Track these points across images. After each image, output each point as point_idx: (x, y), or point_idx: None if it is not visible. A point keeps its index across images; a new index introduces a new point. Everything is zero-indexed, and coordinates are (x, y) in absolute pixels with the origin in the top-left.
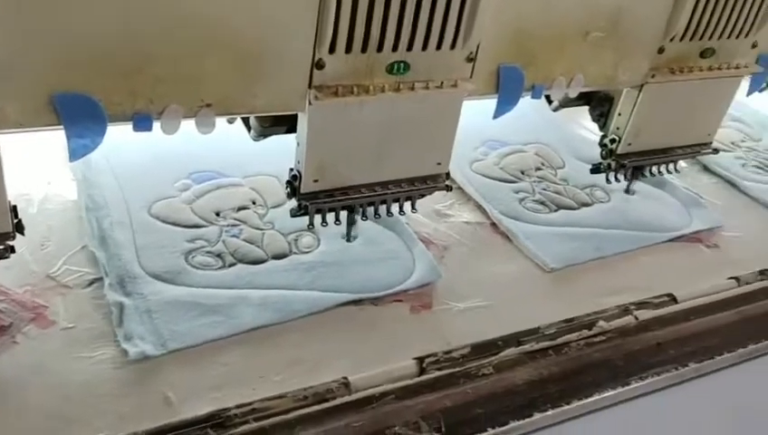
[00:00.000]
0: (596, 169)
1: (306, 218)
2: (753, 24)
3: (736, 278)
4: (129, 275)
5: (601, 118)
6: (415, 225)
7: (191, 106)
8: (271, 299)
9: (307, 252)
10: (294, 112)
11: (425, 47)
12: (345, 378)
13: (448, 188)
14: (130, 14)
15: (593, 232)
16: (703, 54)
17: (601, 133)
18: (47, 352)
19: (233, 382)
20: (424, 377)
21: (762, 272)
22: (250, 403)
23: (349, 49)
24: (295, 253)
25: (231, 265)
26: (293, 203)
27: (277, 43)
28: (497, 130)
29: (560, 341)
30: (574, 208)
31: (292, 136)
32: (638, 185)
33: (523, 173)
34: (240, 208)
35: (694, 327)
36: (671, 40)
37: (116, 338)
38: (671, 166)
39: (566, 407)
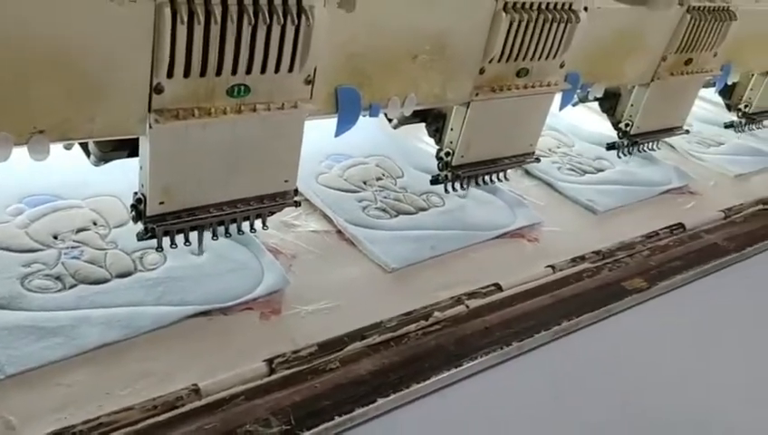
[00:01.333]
0: (435, 181)
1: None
2: (559, 46)
3: (552, 266)
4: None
5: (437, 133)
6: (263, 236)
7: (22, 133)
8: (116, 317)
9: (153, 268)
10: (134, 136)
11: (263, 71)
12: (195, 384)
13: (297, 204)
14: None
15: (429, 234)
16: (518, 74)
17: (437, 147)
18: None
19: (78, 401)
20: (273, 377)
21: (573, 259)
22: (96, 418)
23: (187, 73)
24: (141, 270)
25: (72, 287)
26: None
27: (112, 67)
28: (341, 144)
29: (400, 332)
30: (412, 213)
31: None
32: (472, 190)
33: (365, 183)
34: (80, 230)
35: (516, 311)
36: (490, 61)
37: None
38: (501, 174)
39: (406, 390)
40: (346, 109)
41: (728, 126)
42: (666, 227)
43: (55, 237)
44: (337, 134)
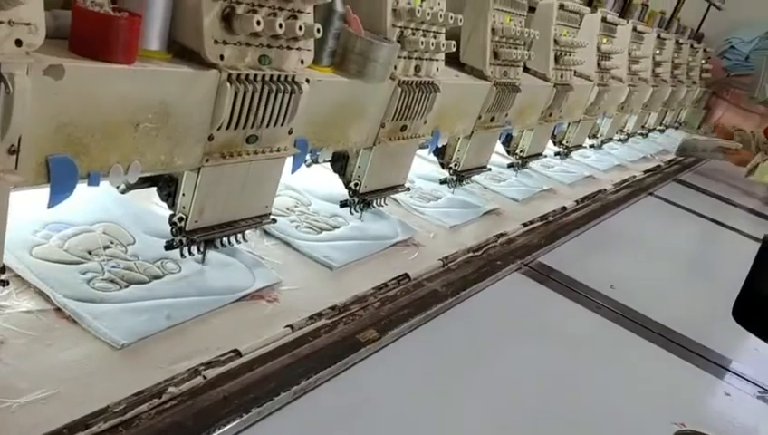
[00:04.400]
0: (169, 246)
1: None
2: (286, 114)
3: (291, 326)
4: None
5: (169, 198)
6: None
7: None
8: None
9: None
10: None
11: None
12: None
13: (4, 283)
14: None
15: (165, 302)
16: (248, 140)
17: (171, 212)
18: None
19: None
20: None
21: (311, 317)
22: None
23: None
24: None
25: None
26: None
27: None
28: (61, 211)
29: (129, 415)
30: (146, 282)
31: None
32: (211, 254)
33: (90, 253)
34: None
35: (256, 375)
36: (218, 129)
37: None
38: (239, 236)
39: None
40: (59, 179)
41: (443, 182)
42: (393, 279)
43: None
44: (50, 205)
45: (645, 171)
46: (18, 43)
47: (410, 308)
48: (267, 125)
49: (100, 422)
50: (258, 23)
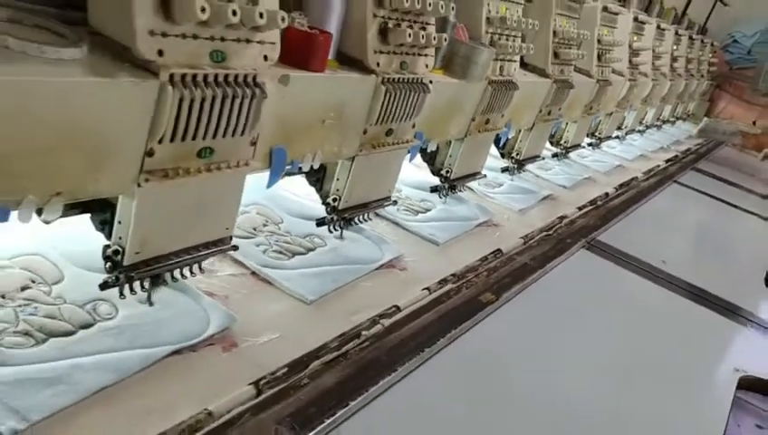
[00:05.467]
0: (321, 223)
1: (95, 289)
2: (413, 110)
3: (428, 288)
4: None
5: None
6: (193, 281)
7: (44, 196)
8: (102, 362)
9: (110, 318)
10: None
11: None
12: (207, 409)
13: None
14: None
15: (325, 270)
16: (387, 133)
17: (322, 196)
18: None
19: None
20: (263, 396)
21: (439, 282)
22: None
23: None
24: (99, 320)
25: (44, 341)
26: (81, 276)
27: (119, 136)
28: None
29: (342, 350)
30: (304, 254)
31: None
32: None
33: (255, 229)
34: (23, 288)
35: (416, 326)
36: (371, 124)
37: None
38: (367, 216)
39: (366, 393)
40: (278, 165)
41: (504, 170)
42: (491, 253)
43: (2, 297)
44: (269, 186)
45: (666, 160)
46: (265, 58)
47: (510, 277)
48: (401, 120)
49: (326, 354)
50: (409, 35)
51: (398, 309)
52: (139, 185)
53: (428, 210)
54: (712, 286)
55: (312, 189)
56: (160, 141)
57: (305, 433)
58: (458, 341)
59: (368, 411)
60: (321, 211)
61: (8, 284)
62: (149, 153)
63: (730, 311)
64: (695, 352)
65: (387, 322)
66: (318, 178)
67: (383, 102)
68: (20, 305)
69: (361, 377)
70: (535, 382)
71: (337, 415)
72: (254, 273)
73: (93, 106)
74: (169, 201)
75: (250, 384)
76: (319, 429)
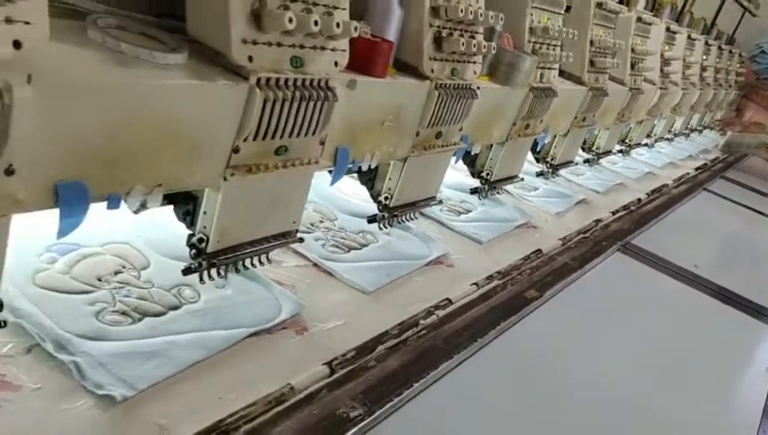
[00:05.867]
0: (372, 220)
1: (177, 275)
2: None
3: (476, 284)
4: (62, 339)
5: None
6: (261, 270)
7: (148, 186)
8: (192, 340)
9: (194, 301)
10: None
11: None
12: (290, 383)
13: (301, 240)
14: (113, 122)
15: (379, 264)
16: (437, 136)
17: (373, 195)
18: (33, 410)
19: (200, 407)
20: (336, 375)
21: (487, 277)
22: (235, 413)
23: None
24: (185, 303)
25: (139, 320)
26: (164, 263)
27: (212, 134)
28: None
29: (402, 337)
30: (358, 249)
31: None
32: (392, 229)
33: (312, 225)
34: (116, 272)
35: (468, 318)
36: (424, 127)
37: (87, 389)
38: (416, 213)
39: (426, 377)
40: (341, 163)
41: (539, 174)
42: (533, 252)
43: (99, 280)
44: (332, 183)
45: (695, 168)
46: (336, 64)
47: (552, 276)
48: (450, 123)
49: (390, 340)
50: (462, 44)
51: (450, 302)
52: (225, 179)
53: (469, 211)
54: (742, 289)
55: (357, 188)
56: (245, 139)
57: (376, 410)
58: (507, 333)
59: (429, 393)
60: (367, 209)
61: (103, 268)
62: (236, 150)
63: (760, 313)
64: (726, 353)
65: (441, 313)
66: (370, 177)
67: (435, 106)
68: (115, 288)
69: (422, 362)
70: (577, 377)
71: (403, 395)
72: (315, 265)
73: (194, 106)
74: (249, 194)
75: (324, 364)
76: (388, 406)
